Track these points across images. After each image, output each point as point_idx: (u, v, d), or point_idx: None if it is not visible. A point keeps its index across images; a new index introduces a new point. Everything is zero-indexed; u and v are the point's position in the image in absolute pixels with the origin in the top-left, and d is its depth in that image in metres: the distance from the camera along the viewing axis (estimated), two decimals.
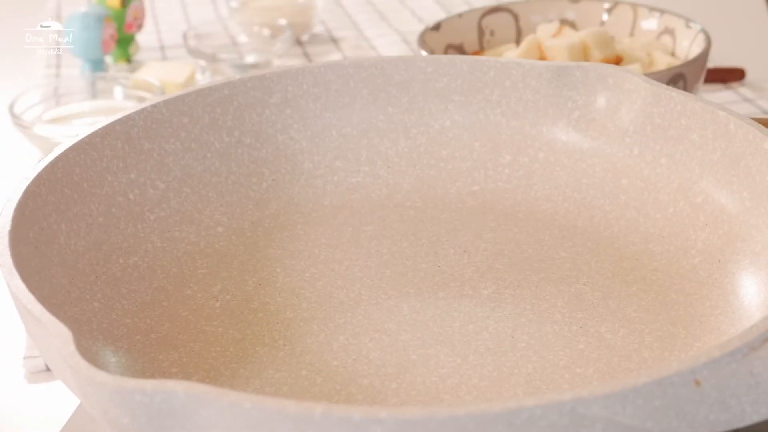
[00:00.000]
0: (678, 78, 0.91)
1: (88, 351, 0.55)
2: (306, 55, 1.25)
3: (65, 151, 0.68)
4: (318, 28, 1.34)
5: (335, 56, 1.25)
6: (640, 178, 0.75)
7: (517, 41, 1.09)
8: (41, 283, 0.62)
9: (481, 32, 1.07)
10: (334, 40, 1.30)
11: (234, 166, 0.79)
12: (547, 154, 0.79)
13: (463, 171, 0.81)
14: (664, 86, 0.74)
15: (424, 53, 0.99)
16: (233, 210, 0.77)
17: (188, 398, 0.45)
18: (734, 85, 1.14)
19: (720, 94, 1.11)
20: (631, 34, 1.08)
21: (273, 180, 0.79)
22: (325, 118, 0.82)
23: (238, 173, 0.79)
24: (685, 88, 0.93)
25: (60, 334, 0.50)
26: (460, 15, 1.06)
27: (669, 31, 1.05)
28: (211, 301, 0.68)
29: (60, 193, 0.67)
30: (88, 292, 0.65)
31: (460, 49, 1.05)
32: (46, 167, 0.66)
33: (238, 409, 0.44)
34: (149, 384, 0.46)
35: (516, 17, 1.09)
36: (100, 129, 0.71)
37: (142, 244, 0.72)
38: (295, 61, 1.23)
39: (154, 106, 0.75)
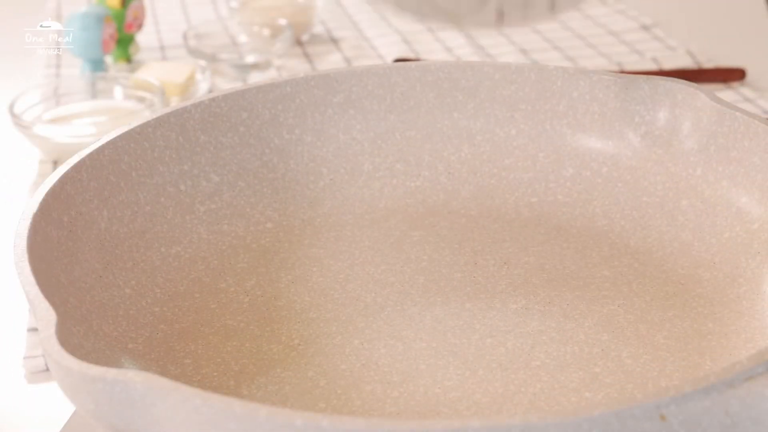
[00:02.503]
0: None
1: (72, 337, 0.56)
2: (306, 55, 1.24)
3: (113, 139, 0.70)
4: (318, 28, 1.32)
5: (335, 56, 1.24)
6: (700, 199, 0.72)
7: None
8: (71, 266, 0.63)
9: None
10: (334, 40, 1.29)
11: (293, 163, 0.79)
12: (611, 170, 0.77)
13: (524, 182, 0.79)
14: (730, 105, 0.71)
15: None
16: (286, 207, 0.77)
17: (145, 390, 0.46)
18: (734, 85, 1.10)
19: (720, 94, 1.07)
20: None
21: (331, 179, 0.79)
22: (389, 121, 0.81)
23: (296, 171, 0.79)
24: None
25: (45, 317, 0.51)
26: None
27: None
28: (242, 295, 0.68)
29: (104, 180, 0.69)
30: (122, 279, 0.67)
31: None
32: (90, 154, 0.68)
33: (190, 405, 0.45)
34: (110, 373, 0.46)
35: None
36: (152, 120, 0.73)
37: (187, 235, 0.73)
38: (295, 61, 1.22)
39: (212, 99, 0.76)
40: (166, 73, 1.10)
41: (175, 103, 1.06)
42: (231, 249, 0.73)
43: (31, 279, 0.54)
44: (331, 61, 1.23)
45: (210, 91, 1.11)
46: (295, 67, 1.21)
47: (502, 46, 1.23)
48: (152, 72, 1.10)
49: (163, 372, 0.61)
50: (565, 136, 0.79)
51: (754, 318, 0.62)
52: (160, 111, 0.74)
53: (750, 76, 1.11)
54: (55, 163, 0.99)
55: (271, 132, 0.79)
